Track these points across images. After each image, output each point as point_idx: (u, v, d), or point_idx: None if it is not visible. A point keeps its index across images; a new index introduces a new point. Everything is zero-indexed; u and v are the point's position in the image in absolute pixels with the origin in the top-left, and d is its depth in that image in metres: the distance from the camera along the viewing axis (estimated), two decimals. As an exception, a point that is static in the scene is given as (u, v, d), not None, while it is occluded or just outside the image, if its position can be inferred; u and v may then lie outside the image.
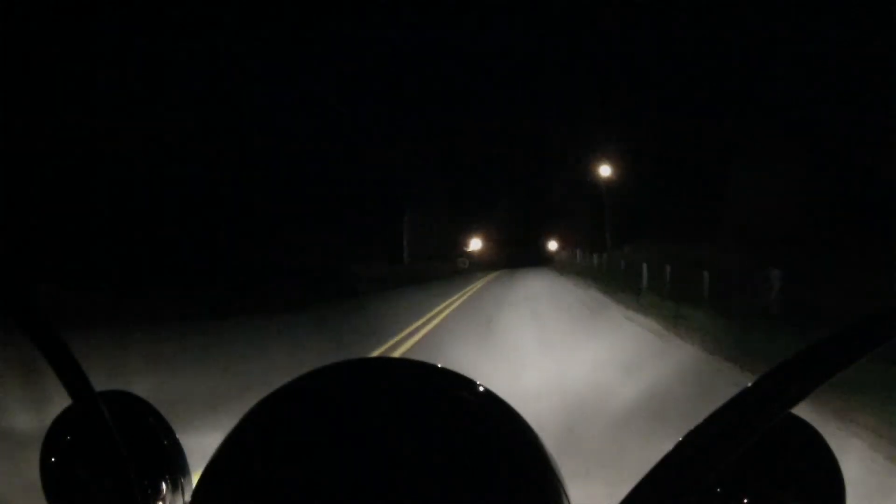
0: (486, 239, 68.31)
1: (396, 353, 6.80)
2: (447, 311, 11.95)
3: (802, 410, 0.45)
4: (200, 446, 0.68)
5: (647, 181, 32.97)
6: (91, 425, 0.60)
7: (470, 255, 62.89)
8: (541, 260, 65.66)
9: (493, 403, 0.55)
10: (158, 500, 0.63)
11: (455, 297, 15.77)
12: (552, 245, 72.07)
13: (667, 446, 0.43)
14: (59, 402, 0.65)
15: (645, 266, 14.54)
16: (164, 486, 0.64)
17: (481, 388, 0.57)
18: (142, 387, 0.82)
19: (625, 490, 0.43)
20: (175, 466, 0.66)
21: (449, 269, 45.56)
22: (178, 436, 0.68)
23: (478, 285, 22.63)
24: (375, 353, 6.81)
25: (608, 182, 33.06)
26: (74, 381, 0.60)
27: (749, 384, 0.43)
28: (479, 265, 57.97)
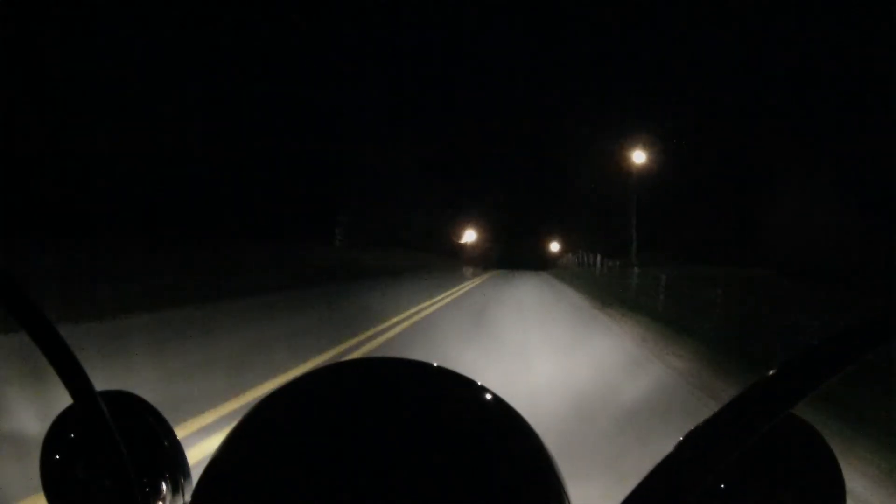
0: (481, 232, 62.04)
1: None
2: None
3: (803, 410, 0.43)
4: (200, 446, 0.68)
5: (671, 185, 29.14)
6: (91, 425, 0.60)
7: (462, 246, 57.65)
8: (540, 262, 58.49)
9: (493, 403, 0.55)
10: (158, 500, 0.63)
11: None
12: (553, 246, 64.90)
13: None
14: (60, 402, 0.65)
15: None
16: (164, 486, 0.64)
17: (482, 389, 0.57)
18: None
19: (625, 490, 0.43)
20: (175, 466, 0.66)
21: (419, 263, 37.20)
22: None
23: (415, 316, 9.43)
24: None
25: (640, 171, 26.06)
26: (74, 381, 0.60)
27: (750, 384, 0.43)
28: (465, 263, 48.54)
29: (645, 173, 26.65)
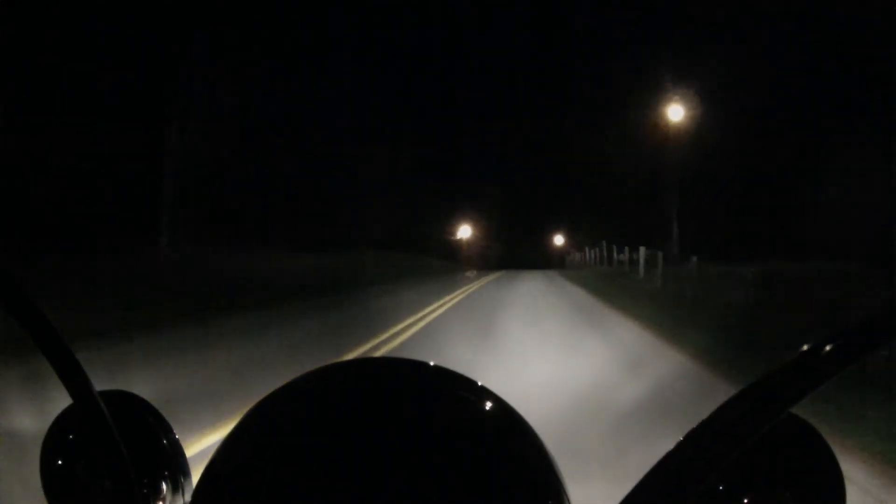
0: (477, 228, 54.59)
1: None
2: None
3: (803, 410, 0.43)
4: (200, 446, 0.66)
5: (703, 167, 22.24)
6: (91, 425, 0.60)
7: (458, 245, 51.16)
8: (544, 260, 52.36)
9: (493, 403, 0.55)
10: (158, 500, 0.63)
11: None
12: (558, 240, 57.83)
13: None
14: (60, 402, 0.65)
15: None
16: (164, 486, 0.64)
17: (482, 389, 0.57)
18: None
19: (625, 490, 0.43)
20: (175, 466, 0.66)
21: (413, 266, 29.20)
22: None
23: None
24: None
25: (676, 131, 19.25)
26: (74, 381, 0.60)
27: (749, 384, 0.43)
28: (444, 268, 36.20)
29: (679, 146, 20.14)
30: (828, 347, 0.42)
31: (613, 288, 16.37)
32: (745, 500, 0.46)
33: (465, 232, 53.73)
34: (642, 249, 18.34)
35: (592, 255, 32.65)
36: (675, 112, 18.94)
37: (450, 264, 42.77)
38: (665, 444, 0.42)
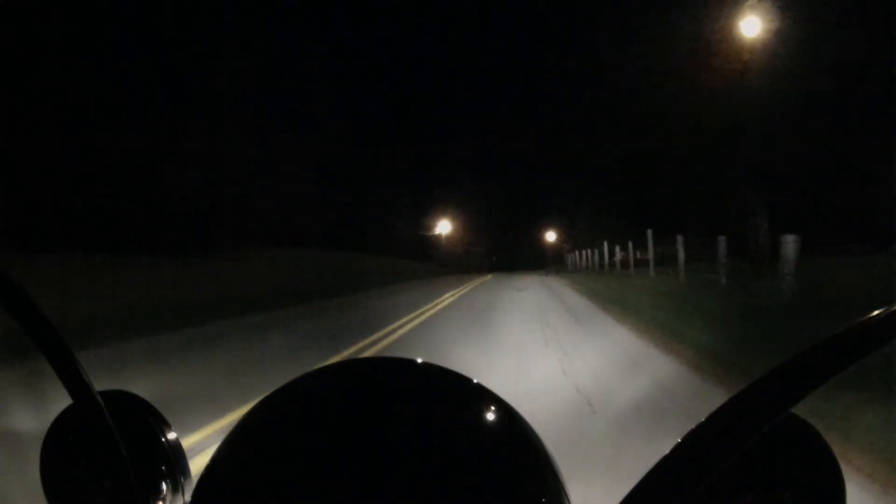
0: (457, 221, 46.83)
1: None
2: None
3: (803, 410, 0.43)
4: (201, 446, 0.67)
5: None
6: (91, 425, 0.60)
7: (437, 243, 43.50)
8: (540, 260, 47.26)
9: (493, 403, 0.55)
10: (158, 500, 0.63)
11: None
12: (550, 236, 51.36)
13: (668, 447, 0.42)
14: (60, 402, 0.65)
15: None
16: (164, 486, 0.64)
17: (480, 388, 0.57)
18: None
19: (624, 490, 0.43)
20: (175, 466, 0.66)
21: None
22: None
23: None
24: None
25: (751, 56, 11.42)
26: (74, 381, 0.60)
27: (749, 384, 0.43)
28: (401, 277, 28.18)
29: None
30: (828, 347, 0.42)
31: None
32: (745, 501, 0.46)
33: (444, 227, 45.99)
34: (795, 240, 9.01)
35: (609, 254, 24.08)
36: (751, 25, 11.36)
37: (418, 267, 35.21)
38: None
